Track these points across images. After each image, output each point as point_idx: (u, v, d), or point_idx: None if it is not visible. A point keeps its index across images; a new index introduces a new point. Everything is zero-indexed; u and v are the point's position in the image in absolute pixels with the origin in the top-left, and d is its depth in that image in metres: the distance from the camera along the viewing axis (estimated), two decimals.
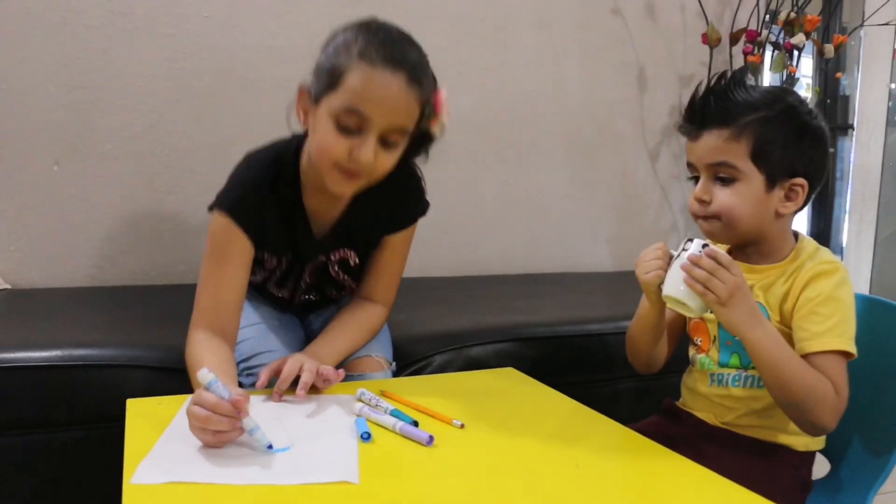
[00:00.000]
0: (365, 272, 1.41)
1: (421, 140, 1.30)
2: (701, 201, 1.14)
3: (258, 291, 1.47)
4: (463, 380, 1.29)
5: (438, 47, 2.15)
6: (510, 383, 1.24)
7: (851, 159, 2.99)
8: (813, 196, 1.17)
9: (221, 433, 0.91)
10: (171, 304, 1.75)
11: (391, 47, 1.18)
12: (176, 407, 1.04)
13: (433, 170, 2.18)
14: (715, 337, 1.20)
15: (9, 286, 1.83)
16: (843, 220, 3.00)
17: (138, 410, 1.05)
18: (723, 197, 1.12)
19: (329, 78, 1.18)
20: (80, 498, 1.36)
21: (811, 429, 1.10)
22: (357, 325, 1.36)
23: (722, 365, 1.19)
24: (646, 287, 1.16)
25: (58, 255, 1.88)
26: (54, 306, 1.72)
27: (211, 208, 1.27)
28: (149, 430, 0.96)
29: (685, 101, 1.19)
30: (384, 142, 1.19)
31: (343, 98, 1.16)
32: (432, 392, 1.14)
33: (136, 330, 1.52)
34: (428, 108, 1.26)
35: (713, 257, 1.04)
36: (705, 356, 1.22)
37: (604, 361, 1.69)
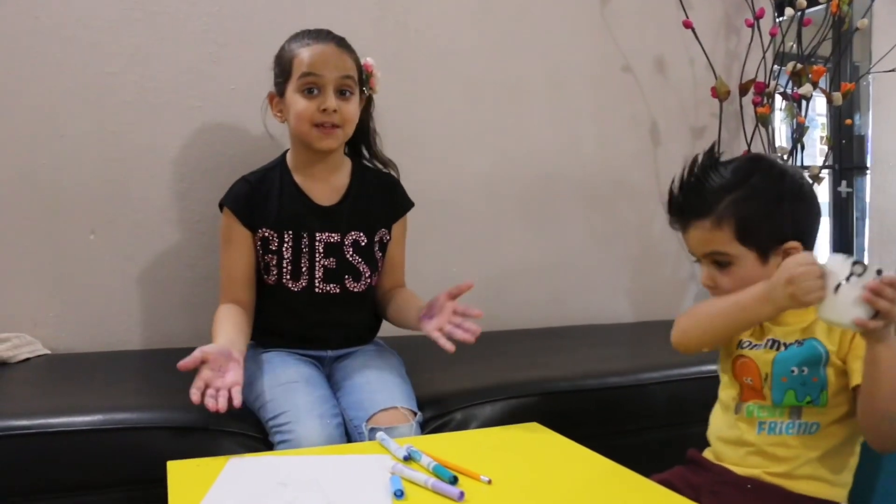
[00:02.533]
0: (385, 268, 1.68)
1: (369, 101, 1.70)
2: (708, 286, 1.21)
3: (278, 331, 1.60)
4: (488, 435, 1.31)
5: (455, 110, 2.27)
6: (535, 438, 1.27)
7: (867, 200, 3.01)
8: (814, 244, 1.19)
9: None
10: None
11: (315, 31, 1.58)
12: (217, 468, 1.08)
13: (455, 230, 2.26)
14: (767, 375, 1.19)
15: (48, 351, 1.89)
16: (864, 260, 3.00)
17: (180, 472, 1.08)
18: (724, 281, 1.17)
19: (283, 71, 1.57)
20: None
21: (888, 443, 1.10)
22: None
23: (776, 404, 1.18)
24: (800, 306, 1.07)
25: (94, 321, 1.94)
26: (92, 371, 1.77)
27: (221, 204, 1.61)
28: (190, 492, 1.00)
29: (699, 152, 1.25)
30: (341, 92, 1.54)
31: (297, 73, 1.53)
32: (458, 448, 1.17)
33: (174, 392, 1.53)
34: (364, 73, 1.64)
35: (892, 285, 1.00)
36: (752, 403, 1.20)
37: (627, 413, 1.71)
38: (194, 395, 1.29)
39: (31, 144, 1.87)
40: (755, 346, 1.22)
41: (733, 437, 1.23)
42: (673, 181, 1.22)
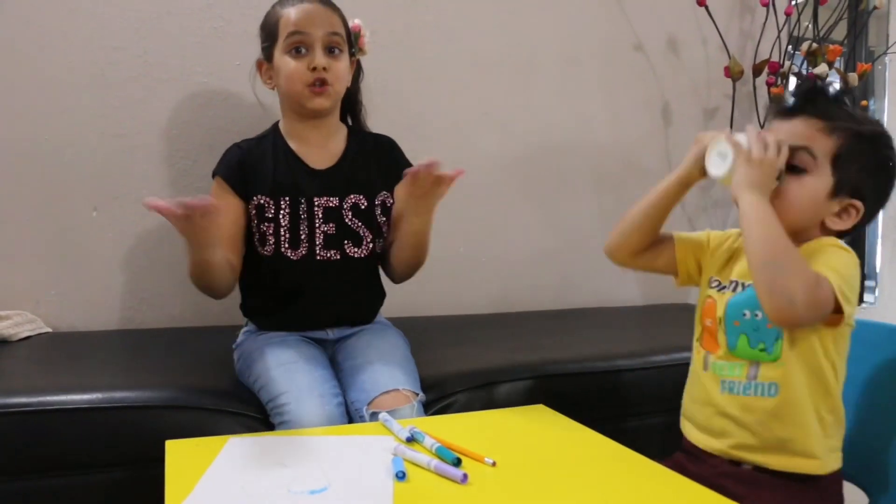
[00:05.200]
0: (392, 234, 1.58)
1: (358, 69, 1.66)
2: None
3: (275, 301, 1.55)
4: (493, 417, 1.29)
5: (464, 87, 2.24)
6: (541, 420, 1.24)
7: None
8: (860, 228, 1.17)
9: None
10: (208, 345, 1.79)
11: None
12: (215, 448, 1.06)
13: (462, 209, 2.23)
14: (721, 318, 1.17)
15: (50, 329, 1.88)
16: (876, 245, 2.97)
17: (178, 452, 1.06)
18: (790, 186, 1.12)
19: (269, 34, 1.53)
20: None
21: (780, 298, 1.03)
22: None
23: (730, 353, 1.16)
24: (698, 143, 1.18)
25: (97, 299, 1.93)
26: (94, 349, 1.76)
27: (214, 173, 1.55)
28: (188, 471, 0.98)
29: None
30: (330, 50, 1.51)
31: (284, 33, 1.49)
32: (462, 429, 1.15)
33: (175, 372, 1.54)
34: (352, 35, 1.60)
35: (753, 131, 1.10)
36: (716, 358, 1.18)
37: (634, 397, 1.69)
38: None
39: (33, 119, 1.85)
40: (722, 287, 1.20)
41: (701, 396, 1.21)
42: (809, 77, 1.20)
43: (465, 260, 2.27)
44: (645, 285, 2.53)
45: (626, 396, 1.69)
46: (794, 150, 1.12)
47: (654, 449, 1.13)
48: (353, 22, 1.61)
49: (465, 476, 0.94)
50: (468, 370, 1.60)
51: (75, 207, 1.89)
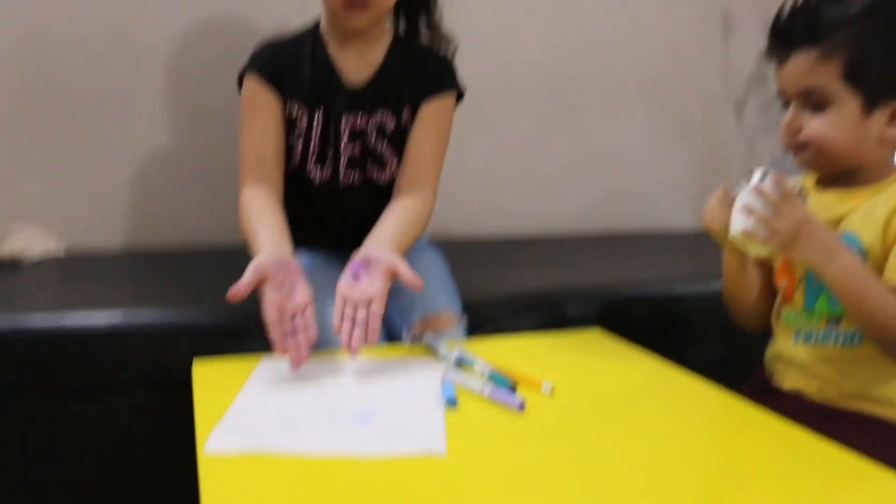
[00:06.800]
0: (404, 154, 1.38)
1: None
2: (790, 130, 1.04)
3: (299, 214, 1.39)
4: (545, 341, 1.19)
5: None
6: (598, 345, 1.16)
7: None
8: None
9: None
10: (234, 265, 1.67)
11: None
12: (246, 369, 0.99)
13: (503, 125, 2.10)
14: (801, 278, 1.08)
15: (63, 250, 1.78)
16: None
17: (206, 372, 1.00)
18: (814, 125, 1.02)
19: None
20: (145, 462, 1.33)
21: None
22: (404, 216, 1.32)
23: (808, 311, 1.07)
24: (714, 237, 1.09)
25: (114, 218, 1.84)
26: (112, 270, 1.69)
27: (240, 77, 1.37)
28: (218, 393, 0.91)
29: None
30: None
31: None
32: (513, 354, 1.07)
33: (197, 292, 1.47)
34: None
35: (761, 192, 0.96)
36: (790, 309, 1.10)
37: (692, 324, 1.59)
38: (275, 332, 1.02)
39: (38, 21, 1.73)
40: None
41: (775, 350, 1.13)
42: (784, 3, 1.05)
43: (505, 177, 2.14)
44: (698, 210, 2.35)
45: (684, 323, 1.60)
46: (805, 93, 1.02)
47: (714, 381, 1.03)
48: None
49: (523, 404, 0.85)
50: (512, 293, 1.51)
51: (89, 119, 1.79)
